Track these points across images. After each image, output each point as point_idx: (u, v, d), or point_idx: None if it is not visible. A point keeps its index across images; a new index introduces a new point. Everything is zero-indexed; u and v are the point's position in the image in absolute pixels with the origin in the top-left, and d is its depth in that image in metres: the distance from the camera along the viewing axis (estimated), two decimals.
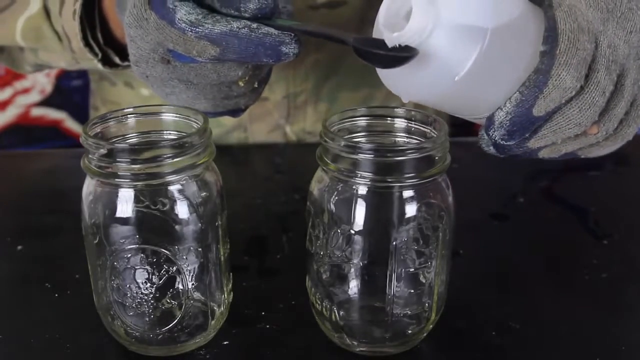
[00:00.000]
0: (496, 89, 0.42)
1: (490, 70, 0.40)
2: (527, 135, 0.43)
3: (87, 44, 0.62)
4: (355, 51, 0.40)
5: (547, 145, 0.44)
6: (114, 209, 0.43)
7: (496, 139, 0.43)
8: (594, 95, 0.42)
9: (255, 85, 0.50)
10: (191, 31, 0.42)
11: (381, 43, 0.40)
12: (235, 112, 0.52)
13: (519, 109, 0.41)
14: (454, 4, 0.39)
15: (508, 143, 0.43)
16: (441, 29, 0.39)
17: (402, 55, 0.39)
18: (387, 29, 0.40)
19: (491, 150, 0.44)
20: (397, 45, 0.40)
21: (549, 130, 0.43)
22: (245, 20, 0.42)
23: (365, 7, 0.75)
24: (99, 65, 0.64)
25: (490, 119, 0.43)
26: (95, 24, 0.62)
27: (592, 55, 0.42)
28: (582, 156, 0.47)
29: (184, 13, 0.42)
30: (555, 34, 0.41)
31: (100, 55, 0.63)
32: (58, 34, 0.65)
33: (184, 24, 0.42)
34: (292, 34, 0.42)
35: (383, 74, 0.44)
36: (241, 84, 0.48)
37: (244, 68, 0.46)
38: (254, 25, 0.42)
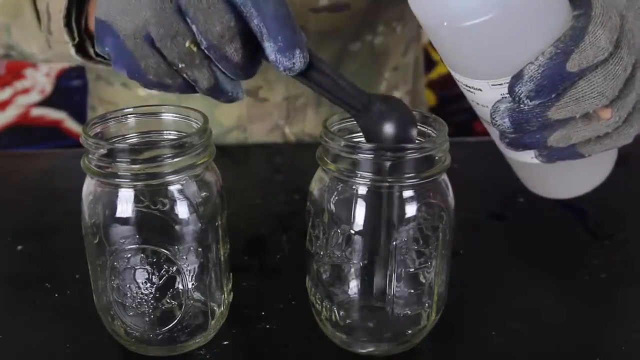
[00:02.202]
0: (524, 47, 0.43)
1: (523, 23, 0.42)
2: (552, 96, 0.43)
3: (67, 24, 0.61)
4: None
5: (565, 120, 0.44)
6: (114, 209, 0.43)
7: (522, 95, 0.43)
8: (617, 67, 0.43)
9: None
10: None
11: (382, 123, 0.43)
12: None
13: (553, 61, 0.42)
14: None
15: (533, 102, 0.43)
16: None
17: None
18: None
19: (505, 123, 0.45)
20: None
21: (572, 98, 0.43)
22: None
23: (367, 10, 0.75)
24: (72, 52, 0.62)
25: (518, 75, 0.43)
26: (83, 9, 0.61)
27: (618, 31, 0.43)
28: (587, 155, 0.47)
29: None
30: (589, 1, 0.43)
31: (76, 40, 0.62)
32: (38, 13, 0.63)
33: None
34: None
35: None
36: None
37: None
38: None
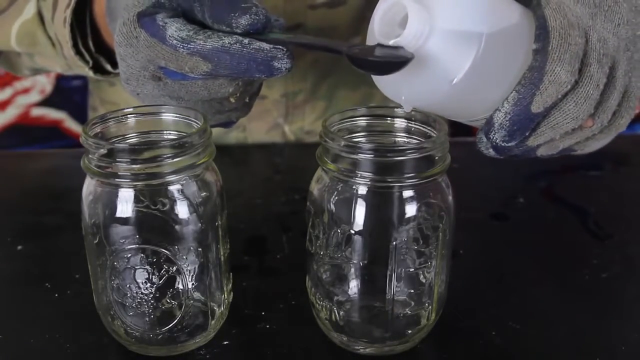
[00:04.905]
0: (493, 91, 0.42)
1: (487, 73, 0.40)
2: (526, 134, 0.43)
3: (77, 52, 0.62)
4: (350, 60, 0.40)
5: (546, 142, 0.44)
6: (114, 209, 0.43)
7: (497, 141, 0.43)
8: (588, 88, 0.42)
9: (247, 100, 0.50)
10: (183, 47, 0.42)
11: (375, 50, 0.40)
12: (227, 125, 0.52)
13: (517, 107, 0.42)
14: (449, 10, 0.39)
15: (509, 144, 0.43)
16: (437, 34, 0.39)
17: (397, 60, 0.39)
18: (382, 36, 0.40)
19: (490, 152, 0.45)
20: (391, 45, 0.40)
21: (547, 126, 0.43)
22: (237, 36, 0.42)
23: (364, 5, 0.76)
24: (90, 73, 0.64)
25: (489, 122, 0.43)
26: (86, 32, 0.62)
27: (584, 49, 0.42)
28: (579, 151, 0.47)
29: (175, 30, 0.42)
30: (546, 31, 0.41)
31: (91, 62, 0.63)
32: (52, 40, 0.65)
33: (175, 41, 0.42)
34: (284, 49, 0.42)
35: (381, 82, 0.44)
36: (232, 100, 0.48)
37: (235, 85, 0.46)
38: (246, 40, 0.42)
